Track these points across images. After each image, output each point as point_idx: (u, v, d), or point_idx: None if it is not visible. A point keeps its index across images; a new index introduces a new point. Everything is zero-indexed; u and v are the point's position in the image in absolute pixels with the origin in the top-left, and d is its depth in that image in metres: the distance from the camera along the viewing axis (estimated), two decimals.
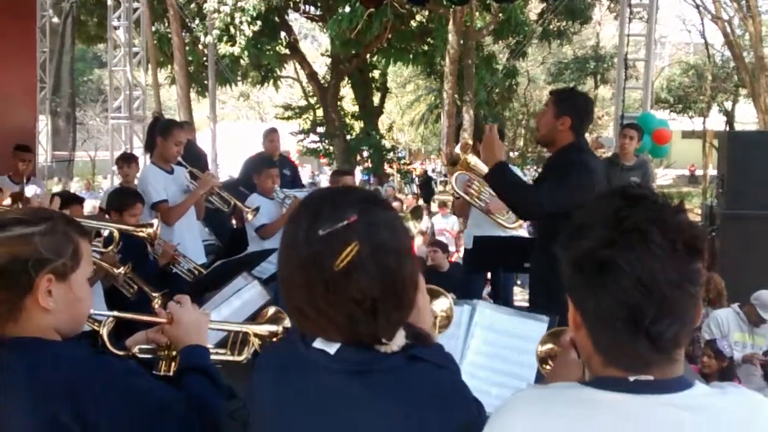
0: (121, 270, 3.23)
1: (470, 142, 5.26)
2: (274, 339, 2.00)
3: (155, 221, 3.34)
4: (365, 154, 20.50)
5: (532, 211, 3.43)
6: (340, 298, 1.12)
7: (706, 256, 1.06)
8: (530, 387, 1.20)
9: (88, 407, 1.38)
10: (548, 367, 1.67)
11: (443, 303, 1.88)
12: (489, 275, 6.11)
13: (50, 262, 1.46)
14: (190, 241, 4.63)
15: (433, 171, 26.40)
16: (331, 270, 1.11)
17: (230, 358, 2.04)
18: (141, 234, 3.18)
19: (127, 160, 6.78)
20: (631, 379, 1.06)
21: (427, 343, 1.24)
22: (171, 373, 1.79)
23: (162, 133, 4.61)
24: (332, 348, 1.17)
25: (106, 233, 3.00)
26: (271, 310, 2.10)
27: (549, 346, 1.69)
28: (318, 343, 1.18)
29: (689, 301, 1.04)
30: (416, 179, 23.31)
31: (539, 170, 3.67)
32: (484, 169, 5.07)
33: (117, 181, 10.34)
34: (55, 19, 10.94)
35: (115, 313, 1.87)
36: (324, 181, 19.92)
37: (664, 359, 1.06)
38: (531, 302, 3.66)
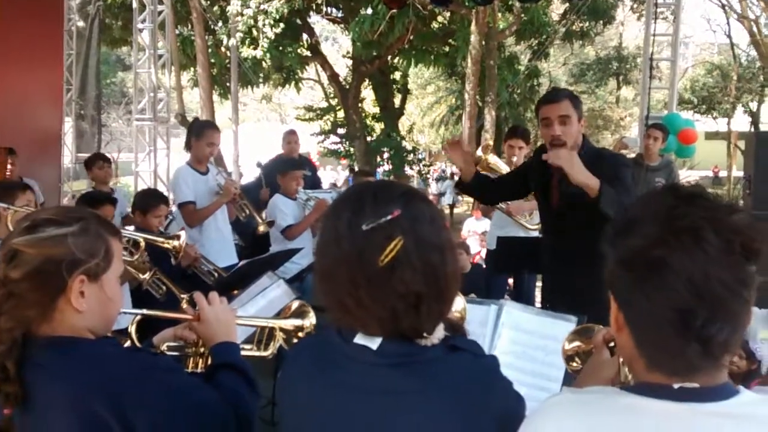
0: (147, 276, 3.27)
1: (491, 143, 5.25)
2: (300, 333, 2.00)
3: (182, 233, 3.39)
4: (386, 155, 20.49)
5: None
6: (384, 293, 1.13)
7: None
8: (566, 391, 1.18)
9: (125, 403, 1.39)
10: (575, 364, 1.65)
11: (458, 303, 1.88)
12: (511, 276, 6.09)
13: (83, 263, 1.45)
14: (218, 243, 4.68)
15: (453, 174, 26.50)
16: (375, 265, 1.11)
17: (256, 353, 2.05)
18: (167, 246, 3.23)
19: (101, 160, 6.50)
20: (676, 386, 1.02)
21: (461, 334, 1.25)
22: (199, 370, 1.80)
23: (196, 133, 4.67)
24: (374, 343, 1.17)
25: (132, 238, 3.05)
26: (295, 304, 2.11)
27: (576, 343, 1.67)
28: (359, 339, 1.18)
29: (742, 305, 1.00)
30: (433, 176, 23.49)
31: None
32: (505, 168, 5.07)
33: (141, 183, 10.46)
34: (81, 23, 11.07)
35: (144, 311, 1.87)
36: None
37: (712, 365, 1.02)
38: (544, 304, 3.59)
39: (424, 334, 1.17)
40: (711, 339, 0.98)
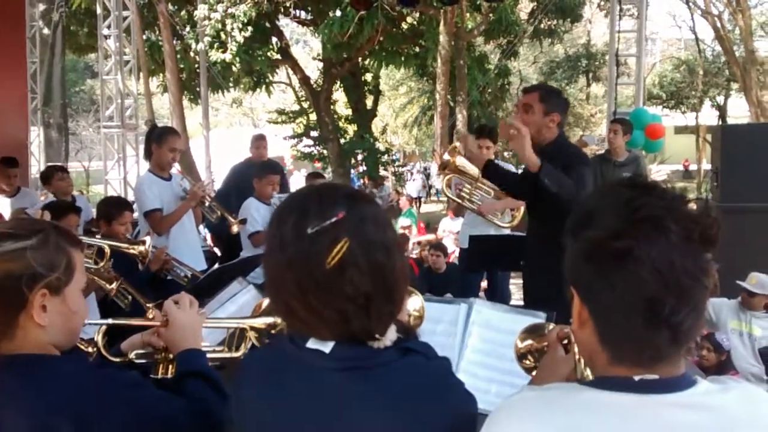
0: (114, 286, 3.21)
1: (457, 145, 5.27)
2: (273, 331, 1.97)
3: (147, 238, 3.34)
4: (359, 157, 20.49)
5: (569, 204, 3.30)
6: (333, 295, 1.12)
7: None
8: (527, 388, 1.18)
9: (90, 421, 1.36)
10: (528, 362, 1.66)
11: (415, 302, 1.88)
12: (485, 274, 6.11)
13: (44, 277, 1.41)
14: (185, 249, 4.61)
15: (425, 170, 26.87)
16: (322, 267, 1.10)
17: (227, 355, 2.02)
18: (132, 251, 3.17)
19: (60, 171, 6.30)
20: (636, 378, 1.03)
21: (413, 336, 1.24)
22: (169, 375, 1.77)
23: (157, 140, 4.61)
24: (327, 347, 1.16)
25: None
26: (266, 301, 2.07)
27: (528, 342, 1.67)
28: (312, 343, 1.17)
29: (703, 293, 1.01)
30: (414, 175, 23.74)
31: None
32: (473, 169, 5.10)
33: (111, 191, 10.34)
34: (45, 30, 10.93)
35: (110, 321, 1.84)
36: None
37: (677, 353, 1.03)
38: (527, 302, 3.63)
39: (376, 336, 1.16)
40: (679, 326, 1.00)
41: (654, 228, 0.98)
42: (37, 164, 10.90)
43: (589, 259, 1.03)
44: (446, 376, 1.20)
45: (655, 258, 0.97)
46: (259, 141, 6.87)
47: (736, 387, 1.06)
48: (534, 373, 1.58)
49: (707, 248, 1.01)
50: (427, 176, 24.95)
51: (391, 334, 1.18)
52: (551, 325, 1.63)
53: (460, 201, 5.00)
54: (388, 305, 1.16)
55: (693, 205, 1.03)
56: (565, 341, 1.45)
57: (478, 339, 2.32)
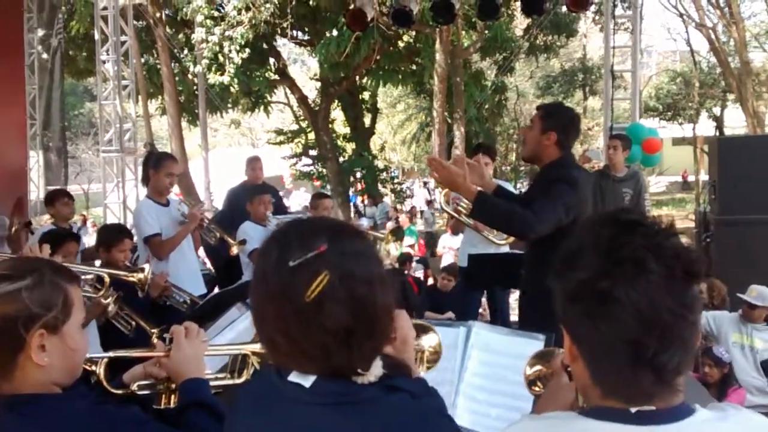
0: (110, 300, 3.18)
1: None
2: None
3: (146, 266, 3.33)
4: (358, 175, 20.52)
5: (521, 234, 3.36)
6: (313, 329, 1.11)
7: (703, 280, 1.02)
8: (527, 417, 1.17)
9: None
10: (537, 389, 1.64)
11: (432, 339, 1.85)
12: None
13: (40, 317, 1.40)
14: (185, 273, 4.62)
15: (425, 184, 26.94)
16: (302, 301, 1.10)
17: (230, 382, 2.01)
18: (132, 279, 3.16)
19: (66, 197, 6.08)
20: (633, 410, 1.02)
21: (405, 374, 1.22)
22: (171, 405, 1.76)
23: (154, 165, 4.64)
24: (308, 381, 1.15)
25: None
26: None
27: (537, 368, 1.66)
28: (293, 377, 1.16)
29: (690, 328, 1.01)
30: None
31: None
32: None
33: (110, 215, 10.35)
34: (44, 56, 10.99)
35: (111, 354, 1.83)
36: None
37: (666, 391, 1.02)
38: (521, 320, 3.62)
39: (359, 371, 1.15)
40: (663, 366, 0.99)
41: (634, 268, 0.98)
42: (36, 190, 10.91)
43: (574, 300, 1.04)
44: (429, 417, 1.17)
45: (636, 299, 0.97)
46: (254, 162, 6.85)
47: (735, 415, 1.06)
48: None
49: (692, 283, 1.01)
50: (429, 190, 24.96)
51: (376, 370, 1.17)
52: (559, 351, 1.62)
53: (457, 215, 5.00)
54: (369, 340, 1.15)
55: (690, 219, 1.02)
56: (570, 368, 1.45)
57: (477, 362, 2.32)
